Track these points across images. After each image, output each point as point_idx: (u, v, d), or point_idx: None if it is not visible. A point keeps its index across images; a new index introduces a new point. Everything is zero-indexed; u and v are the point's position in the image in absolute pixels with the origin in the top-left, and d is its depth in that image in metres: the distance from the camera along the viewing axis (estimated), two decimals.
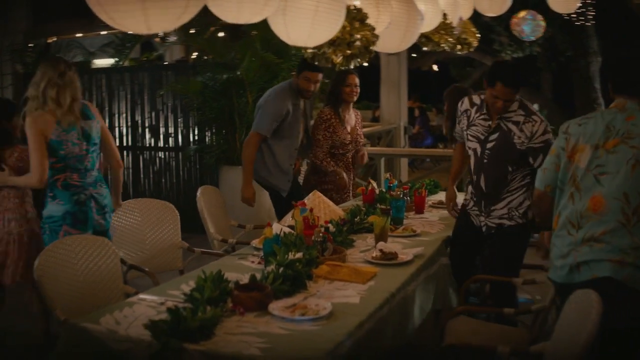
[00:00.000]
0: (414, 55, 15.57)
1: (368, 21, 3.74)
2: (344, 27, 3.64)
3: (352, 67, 4.24)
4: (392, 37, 3.85)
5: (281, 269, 2.79)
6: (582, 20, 7.19)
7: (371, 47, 3.86)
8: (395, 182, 4.81)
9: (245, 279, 2.76)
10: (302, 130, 5.04)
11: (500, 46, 12.15)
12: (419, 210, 4.48)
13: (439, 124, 20.14)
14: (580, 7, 6.73)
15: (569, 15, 7.25)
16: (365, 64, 4.04)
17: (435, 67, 20.82)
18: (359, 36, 3.75)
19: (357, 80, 4.98)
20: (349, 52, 3.85)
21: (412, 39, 3.97)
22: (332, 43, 3.81)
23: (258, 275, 2.80)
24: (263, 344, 2.21)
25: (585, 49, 9.98)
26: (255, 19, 2.78)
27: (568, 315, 2.34)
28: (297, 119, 4.94)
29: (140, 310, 2.55)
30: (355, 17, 3.80)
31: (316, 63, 3.92)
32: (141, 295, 2.74)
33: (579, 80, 10.18)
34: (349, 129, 5.03)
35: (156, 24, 2.29)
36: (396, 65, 10.52)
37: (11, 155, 3.88)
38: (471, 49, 6.20)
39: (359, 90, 5.01)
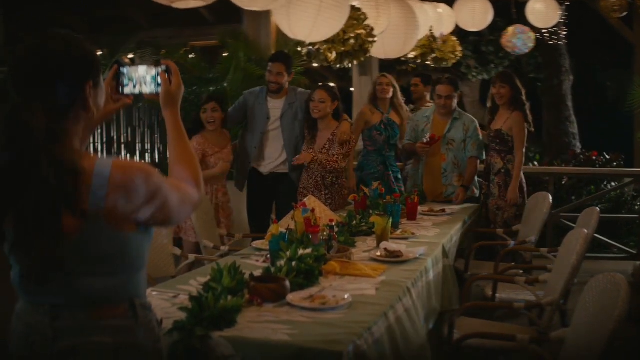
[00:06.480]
0: None
1: (367, 22, 3.76)
2: None
3: (346, 65, 4.22)
4: (394, 41, 3.88)
5: (294, 263, 2.74)
6: (554, 39, 7.38)
7: (367, 47, 3.87)
8: (385, 190, 4.79)
9: (256, 275, 2.70)
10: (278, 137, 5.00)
11: (467, 69, 12.39)
12: (412, 216, 4.46)
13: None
14: (553, 26, 6.90)
15: (541, 34, 7.44)
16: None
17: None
18: (353, 35, 3.75)
19: (323, 96, 4.63)
20: (342, 49, 3.85)
21: (413, 43, 4.01)
22: (326, 40, 3.81)
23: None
24: (290, 330, 2.16)
25: (558, 68, 10.22)
26: (269, 7, 2.78)
27: (590, 298, 2.33)
28: (262, 116, 4.94)
29: (153, 302, 2.44)
30: (353, 16, 3.81)
31: (309, 59, 3.95)
32: (150, 290, 2.65)
33: (551, 99, 10.41)
34: (318, 144, 4.82)
35: None
36: (369, 86, 10.59)
37: None
38: (450, 64, 6.31)
39: (324, 107, 4.63)
